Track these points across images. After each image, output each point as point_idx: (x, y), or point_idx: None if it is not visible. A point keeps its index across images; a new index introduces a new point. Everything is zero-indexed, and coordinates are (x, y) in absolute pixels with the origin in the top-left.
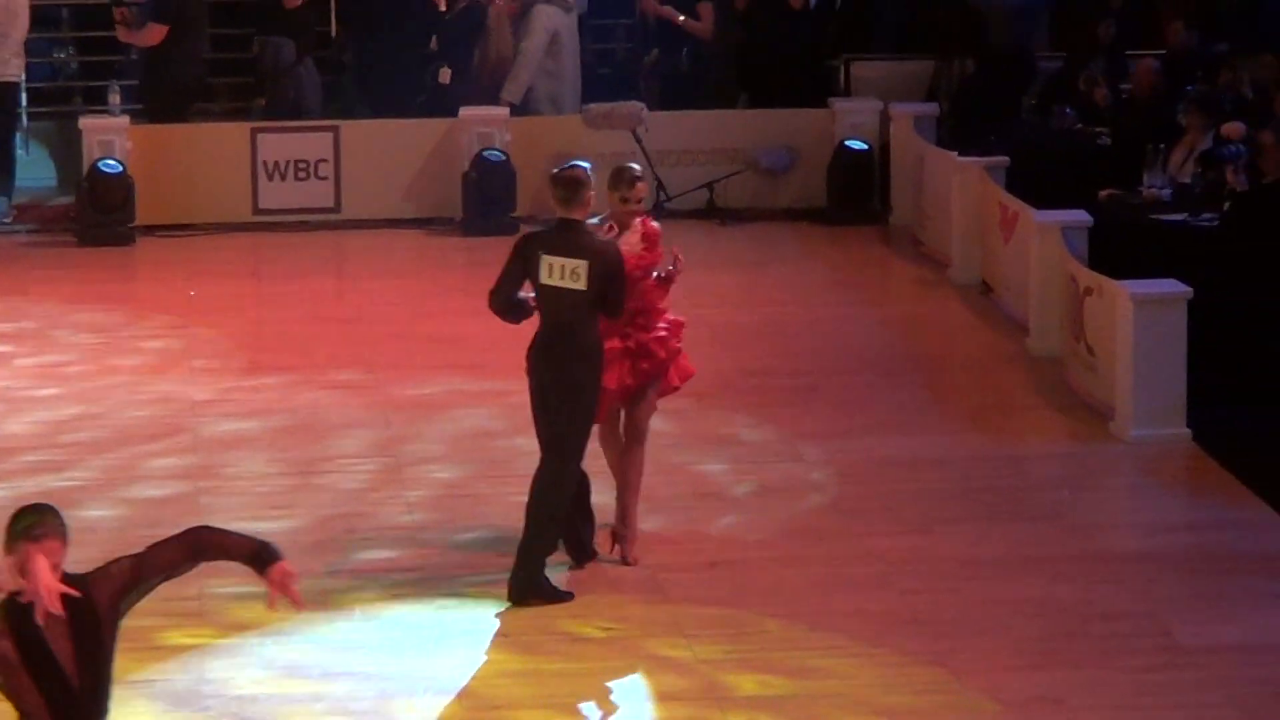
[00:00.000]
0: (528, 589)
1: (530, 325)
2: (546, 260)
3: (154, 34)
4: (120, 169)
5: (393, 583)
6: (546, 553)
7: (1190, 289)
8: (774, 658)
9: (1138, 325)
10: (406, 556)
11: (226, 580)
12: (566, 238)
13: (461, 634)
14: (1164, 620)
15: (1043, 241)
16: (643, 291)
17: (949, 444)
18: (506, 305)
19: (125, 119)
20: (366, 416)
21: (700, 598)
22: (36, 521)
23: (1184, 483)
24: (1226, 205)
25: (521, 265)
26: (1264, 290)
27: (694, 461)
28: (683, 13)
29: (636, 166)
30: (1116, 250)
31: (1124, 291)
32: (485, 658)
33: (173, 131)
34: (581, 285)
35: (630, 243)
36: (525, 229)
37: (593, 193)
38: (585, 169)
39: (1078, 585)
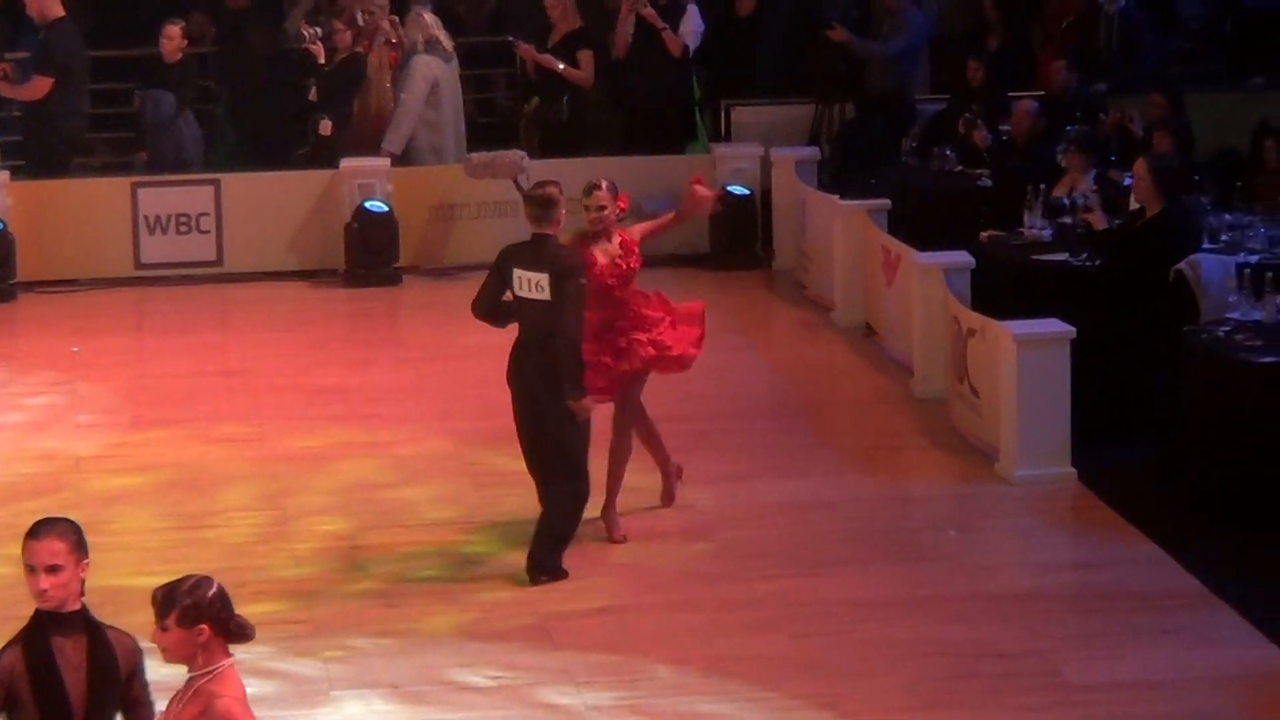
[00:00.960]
0: (543, 569)
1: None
2: (517, 274)
3: (39, 87)
4: (1, 225)
5: (281, 636)
6: (564, 541)
7: (1073, 329)
8: (665, 704)
9: (1021, 366)
10: (294, 609)
11: None
12: (534, 251)
13: (350, 687)
14: (1053, 659)
15: (925, 283)
16: (622, 298)
17: (836, 486)
18: (486, 312)
19: (5, 175)
20: (253, 470)
21: (590, 644)
22: (41, 523)
23: (1070, 522)
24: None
25: (499, 278)
26: (1144, 327)
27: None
28: (562, 61)
29: (602, 180)
30: (999, 291)
31: (1007, 332)
32: (374, 710)
33: (53, 187)
34: (547, 296)
35: (609, 251)
36: (407, 279)
37: (564, 210)
38: (556, 188)
39: (966, 625)
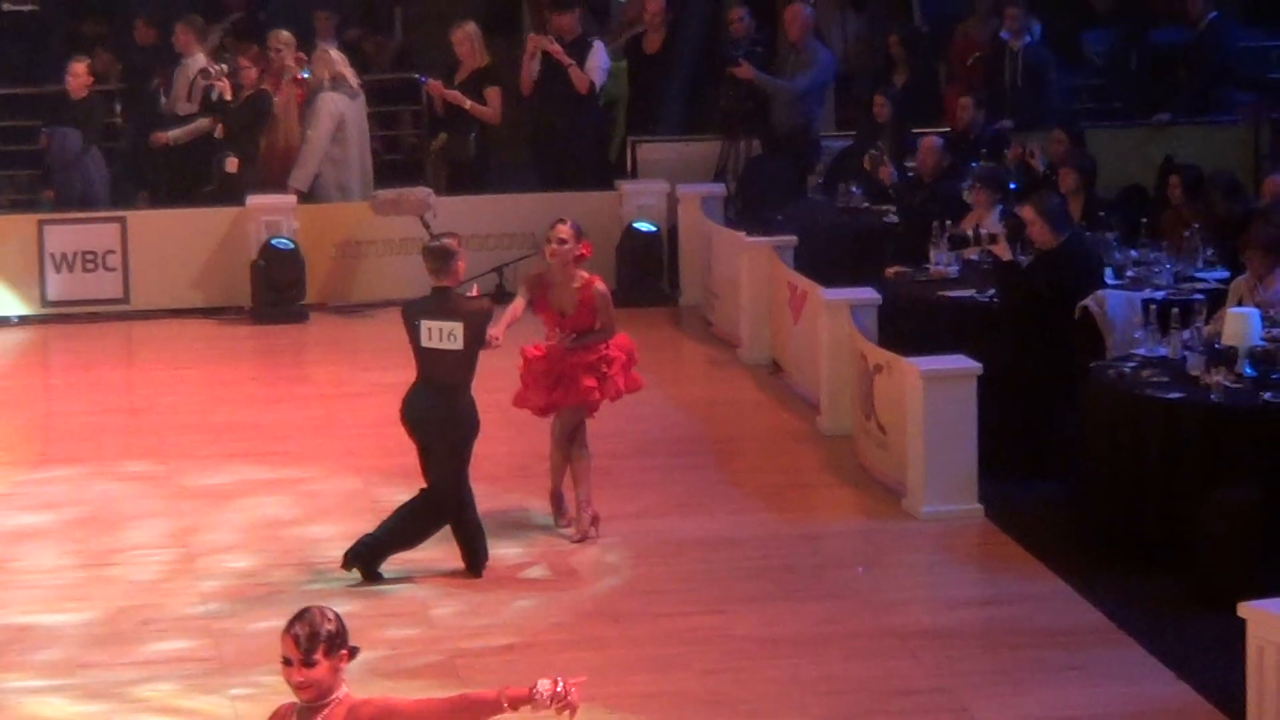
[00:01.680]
0: (360, 561)
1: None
2: (425, 325)
3: None
4: None
5: (188, 673)
6: (392, 552)
7: (979, 364)
8: None
9: (928, 402)
10: (201, 647)
11: (21, 675)
12: (441, 304)
13: None
14: (960, 695)
15: (832, 320)
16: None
17: (743, 523)
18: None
19: None
20: (159, 507)
21: (498, 681)
22: None
23: (977, 558)
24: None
25: (407, 331)
26: (1047, 363)
27: (490, 545)
28: (470, 98)
29: (568, 219)
30: (905, 327)
31: (913, 368)
32: None
33: None
34: (459, 345)
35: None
36: (314, 316)
37: (462, 262)
38: (454, 240)
39: (874, 662)
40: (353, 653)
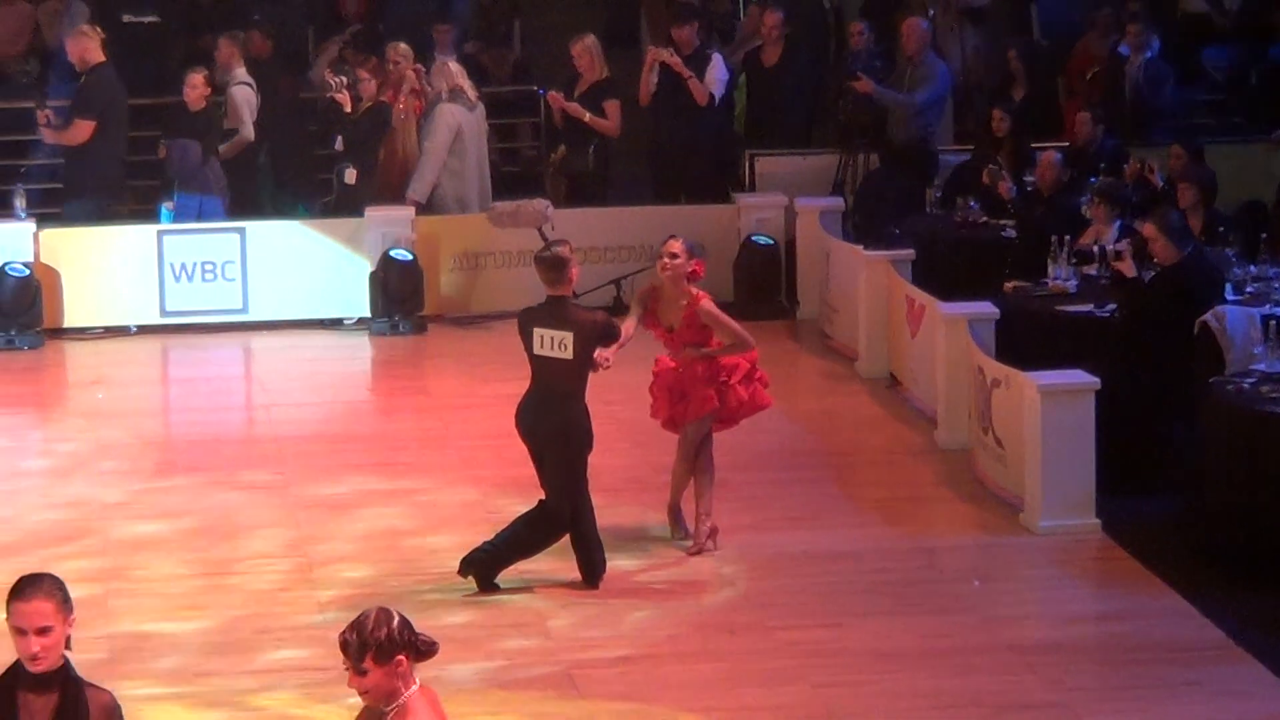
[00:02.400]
0: (476, 569)
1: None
2: (538, 333)
3: (80, 131)
4: (27, 272)
5: (304, 682)
6: (509, 562)
7: (1097, 380)
8: None
9: (1045, 416)
10: (318, 656)
11: (140, 682)
12: (554, 312)
13: None
14: (1076, 711)
15: (950, 334)
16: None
17: (859, 537)
18: None
19: (32, 222)
20: (276, 516)
21: (613, 693)
22: (25, 582)
23: (1094, 573)
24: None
25: (521, 338)
26: (1166, 378)
27: (608, 556)
28: (589, 111)
29: (680, 236)
30: (1023, 342)
31: (1031, 383)
32: None
33: (80, 234)
34: (569, 355)
35: (669, 315)
36: (432, 328)
37: (575, 270)
38: (566, 249)
39: (989, 677)
40: (422, 652)
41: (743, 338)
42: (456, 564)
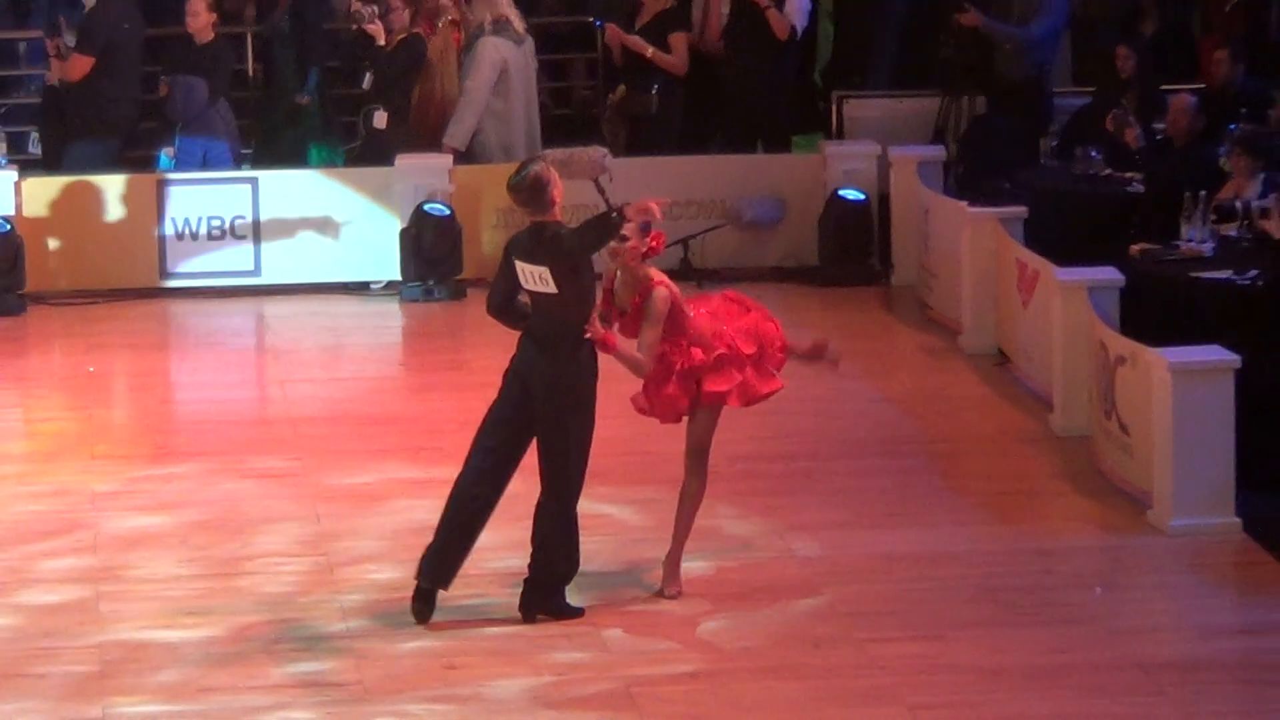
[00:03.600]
0: (535, 605)
1: None
2: (520, 266)
3: (77, 66)
4: (7, 228)
5: (325, 700)
6: (562, 580)
7: (1237, 357)
8: None
9: (1178, 399)
10: (341, 670)
11: (135, 698)
12: (536, 240)
13: None
14: None
15: (1067, 304)
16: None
17: (963, 537)
18: (497, 309)
19: (13, 170)
20: (293, 509)
21: (679, 713)
22: None
23: (1233, 579)
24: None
25: (508, 271)
26: None
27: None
28: (652, 45)
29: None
30: (1152, 313)
31: (1161, 360)
32: None
33: (68, 184)
34: (552, 289)
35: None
36: (472, 293)
37: (557, 189)
38: (541, 168)
39: (1113, 698)
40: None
41: (641, 364)
42: (499, 563)
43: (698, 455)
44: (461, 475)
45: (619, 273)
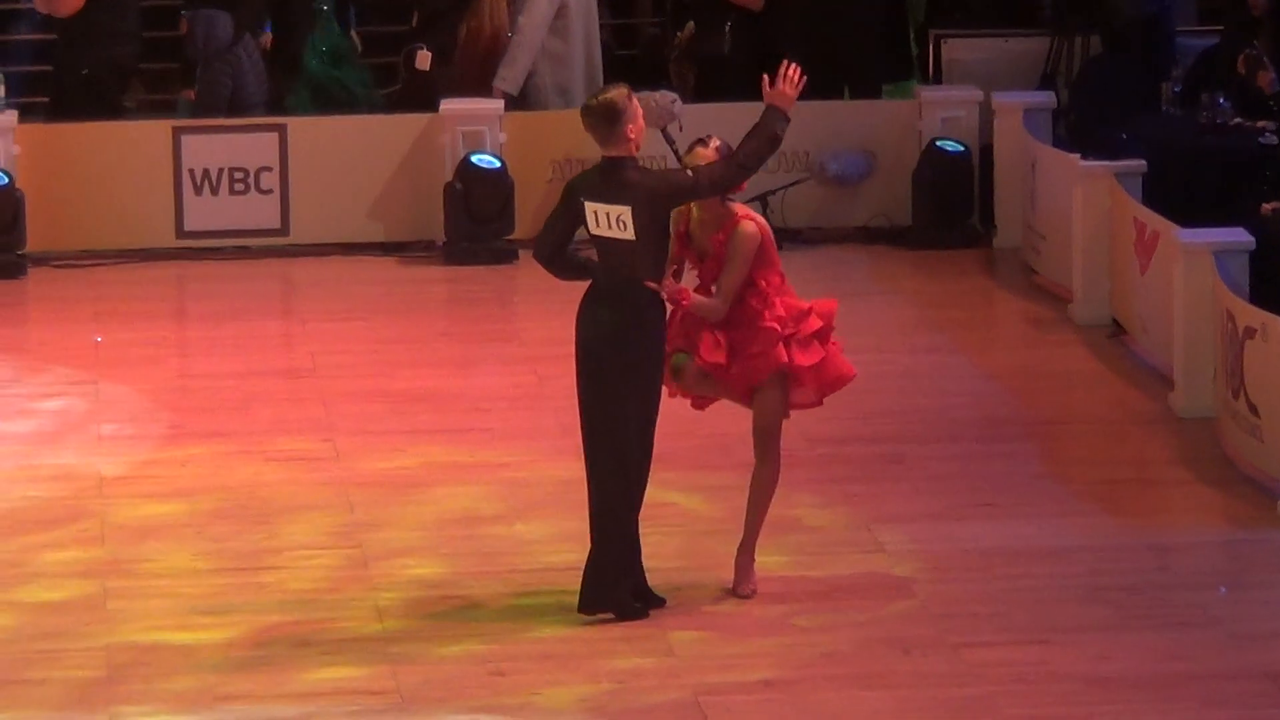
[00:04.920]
0: (597, 599)
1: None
2: (590, 207)
3: (67, 1)
4: (6, 180)
5: (358, 709)
6: (621, 562)
7: None
8: None
9: None
10: (376, 676)
11: (146, 707)
12: (609, 178)
13: None
14: None
15: (1191, 268)
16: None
17: (1072, 529)
18: (548, 258)
19: (12, 116)
20: (323, 497)
21: None
22: None
23: None
24: None
25: (569, 214)
26: None
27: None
28: None
29: (712, 137)
30: None
31: None
32: None
33: (74, 132)
34: (630, 235)
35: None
36: (524, 255)
37: (635, 122)
38: (621, 94)
39: (1239, 711)
40: None
41: (715, 309)
42: (552, 558)
43: (767, 437)
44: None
45: (695, 212)
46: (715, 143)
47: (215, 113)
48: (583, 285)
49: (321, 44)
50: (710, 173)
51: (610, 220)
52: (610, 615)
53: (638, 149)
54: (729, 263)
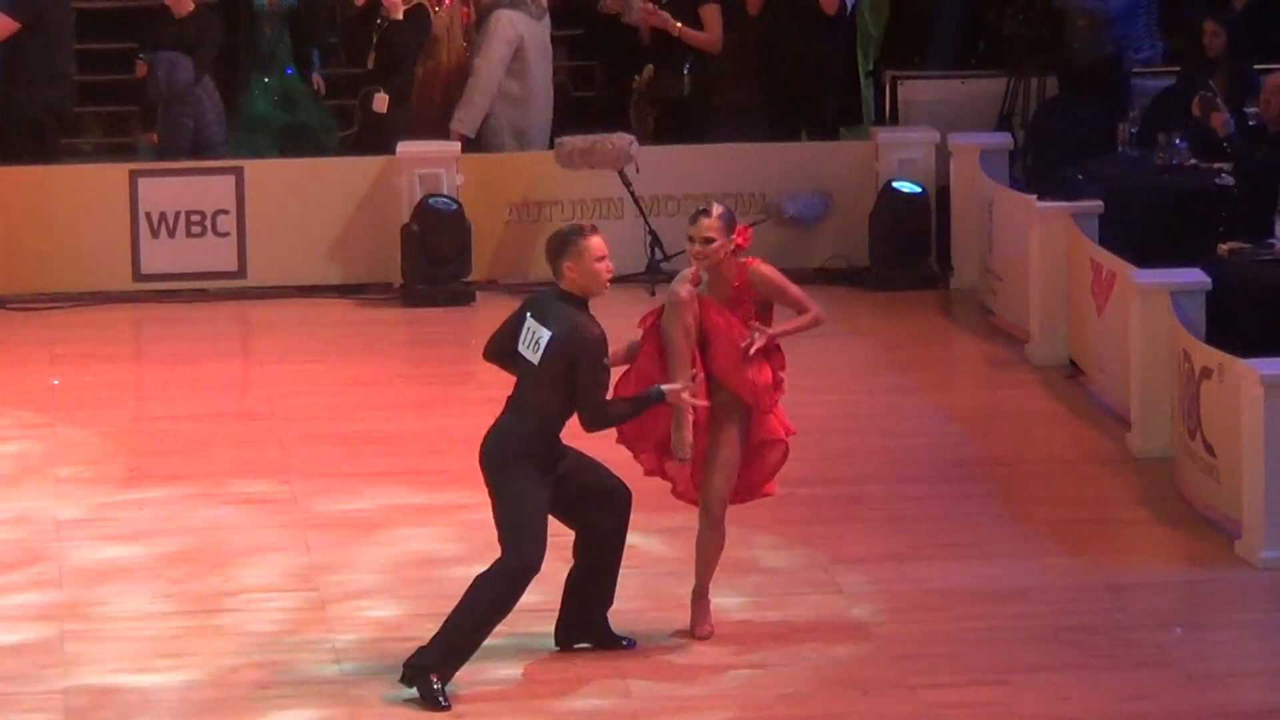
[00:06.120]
0: (416, 674)
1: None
2: (528, 323)
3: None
4: None
5: None
6: (456, 652)
7: None
8: None
9: (1271, 417)
10: (335, 718)
11: None
12: (554, 304)
13: None
14: None
15: (1147, 309)
16: (719, 355)
17: (1030, 569)
18: (495, 356)
19: None
20: (281, 539)
21: None
22: None
23: None
24: None
25: (516, 323)
26: None
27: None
28: (681, 20)
29: (714, 205)
30: (1243, 320)
31: (1252, 373)
32: None
33: (30, 174)
34: (536, 359)
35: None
36: (482, 297)
37: (577, 263)
38: (572, 231)
39: None
40: None
41: (814, 305)
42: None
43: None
44: None
45: (704, 277)
46: (718, 210)
47: (178, 154)
48: None
49: (272, 90)
50: (592, 402)
51: (530, 339)
52: (579, 649)
53: (582, 291)
54: (779, 287)
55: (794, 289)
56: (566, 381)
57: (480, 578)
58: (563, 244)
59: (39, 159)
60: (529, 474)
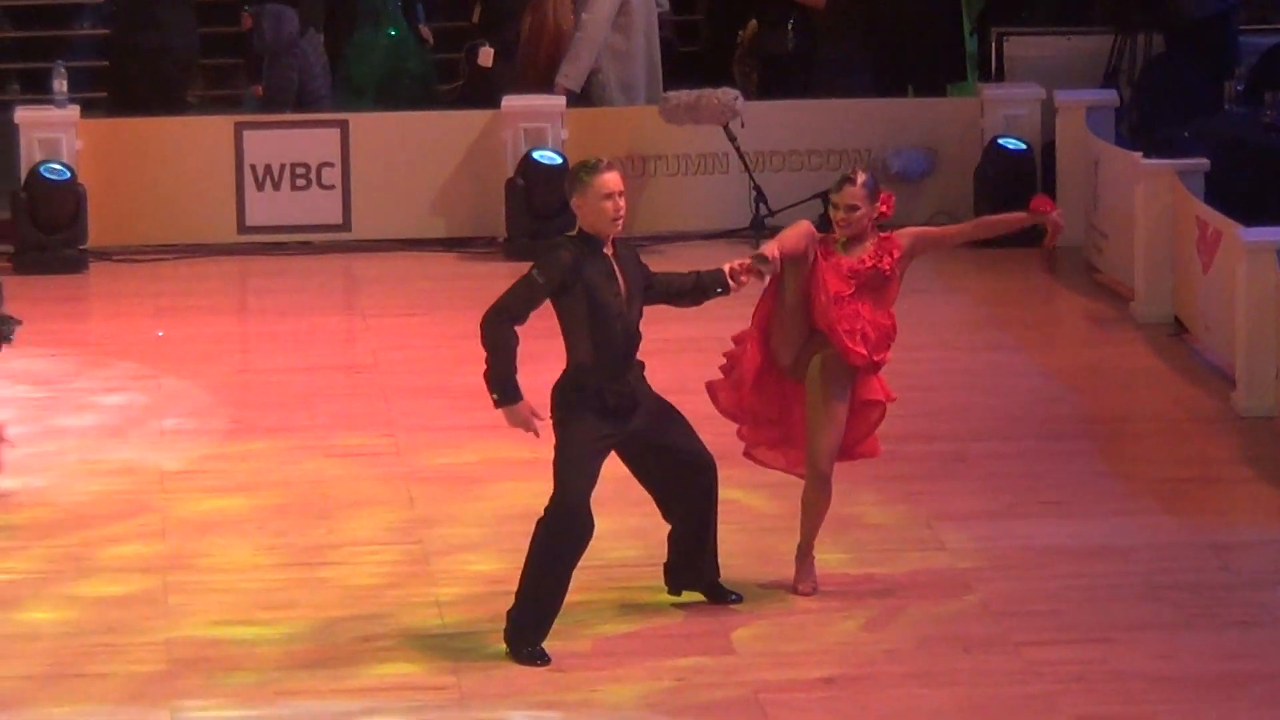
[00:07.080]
0: (506, 634)
1: None
2: None
3: None
4: (68, 175)
5: (418, 705)
6: (531, 606)
7: None
8: None
9: None
10: (436, 672)
11: (206, 702)
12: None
13: None
14: None
15: (1253, 267)
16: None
17: (1133, 528)
18: None
19: (74, 110)
20: (384, 492)
21: None
22: None
23: None
24: None
25: None
26: None
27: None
28: None
29: (859, 172)
30: None
31: None
32: None
33: (136, 127)
34: None
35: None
36: None
37: (582, 199)
38: (584, 164)
39: None
40: None
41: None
42: (613, 554)
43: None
44: None
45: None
46: (862, 177)
47: (283, 107)
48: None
49: (380, 43)
50: (498, 300)
51: None
52: (687, 603)
53: (591, 229)
54: (930, 237)
55: (939, 228)
56: (566, 316)
57: (535, 526)
58: (572, 180)
59: (163, 110)
60: (583, 419)
